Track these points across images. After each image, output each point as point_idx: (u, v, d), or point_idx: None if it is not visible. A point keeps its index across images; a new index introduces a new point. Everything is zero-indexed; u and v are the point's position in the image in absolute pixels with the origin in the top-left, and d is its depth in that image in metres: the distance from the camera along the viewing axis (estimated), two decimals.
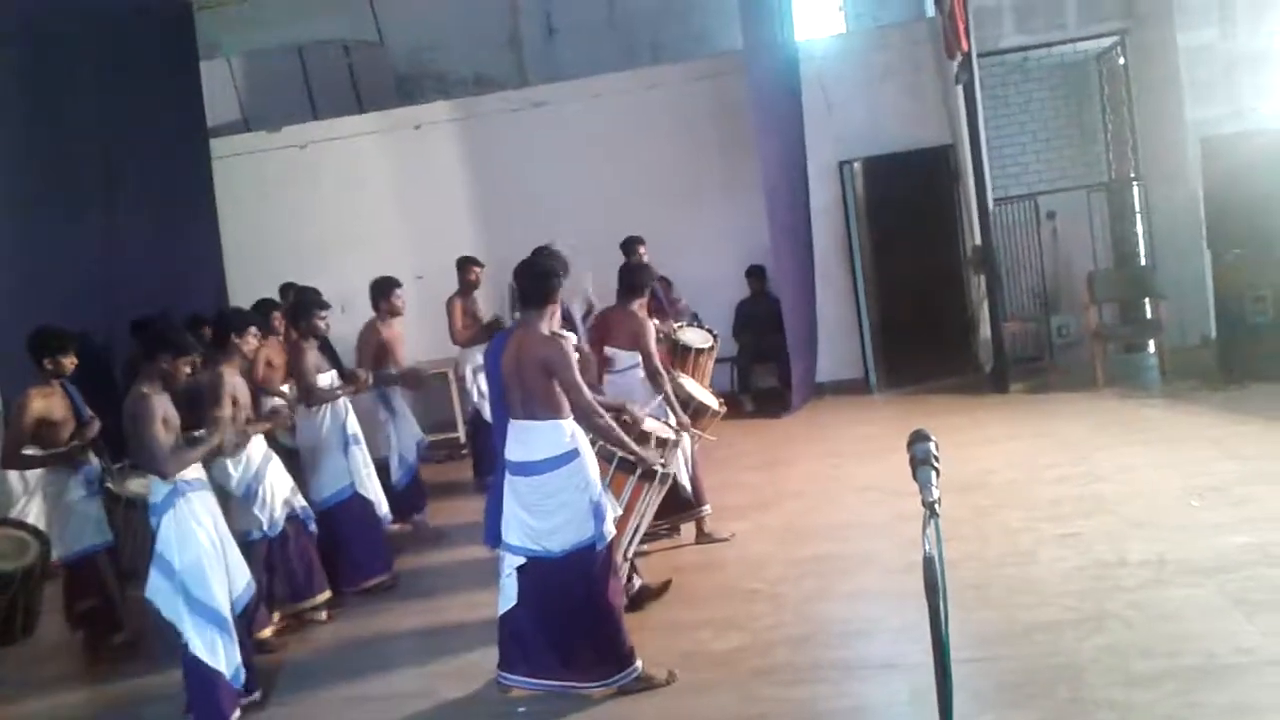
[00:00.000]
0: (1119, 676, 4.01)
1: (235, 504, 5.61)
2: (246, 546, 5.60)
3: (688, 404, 6.33)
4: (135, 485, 5.62)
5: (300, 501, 5.90)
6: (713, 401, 6.41)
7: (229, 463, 5.57)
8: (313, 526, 5.96)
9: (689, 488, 6.08)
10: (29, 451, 5.53)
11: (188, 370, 4.76)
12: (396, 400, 7.47)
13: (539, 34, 12.70)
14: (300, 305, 6.61)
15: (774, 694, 4.35)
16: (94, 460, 5.72)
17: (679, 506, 6.10)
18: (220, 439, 5.00)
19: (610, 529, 4.43)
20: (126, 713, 5.22)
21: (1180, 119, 9.16)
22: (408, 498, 7.43)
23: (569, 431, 4.41)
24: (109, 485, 5.58)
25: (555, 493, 4.37)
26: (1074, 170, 10.28)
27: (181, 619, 4.60)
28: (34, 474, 6.07)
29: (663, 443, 5.28)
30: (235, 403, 5.44)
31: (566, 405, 4.40)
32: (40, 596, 5.41)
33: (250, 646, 4.96)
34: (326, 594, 5.99)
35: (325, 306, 6.59)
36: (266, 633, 5.61)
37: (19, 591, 5.16)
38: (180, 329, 5.17)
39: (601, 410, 4.58)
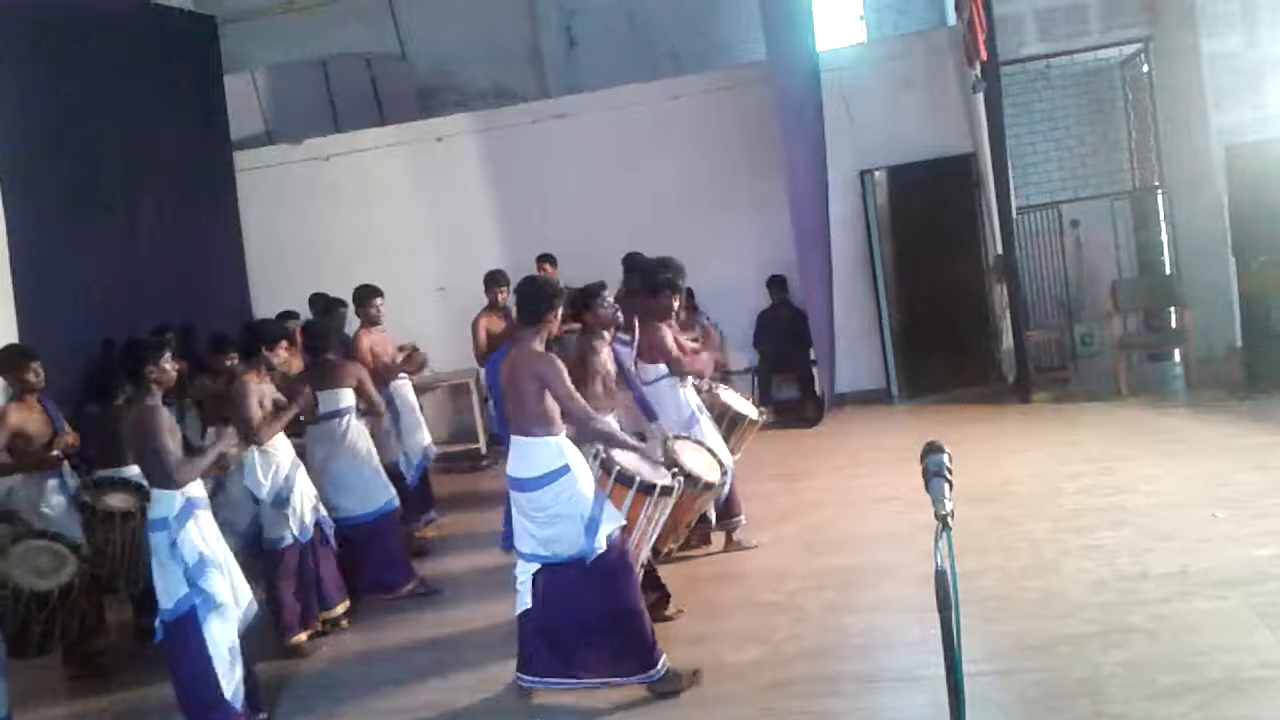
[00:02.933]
0: (1141, 690, 3.97)
1: (266, 512, 5.70)
2: (276, 554, 5.68)
3: (724, 414, 6.33)
4: (113, 500, 5.67)
5: (323, 512, 5.94)
6: (751, 411, 6.46)
7: (259, 471, 5.62)
8: (333, 540, 6.00)
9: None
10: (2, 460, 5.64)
11: (173, 371, 4.75)
12: (400, 405, 7.54)
13: (559, 46, 12.75)
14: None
15: (792, 707, 4.33)
16: (69, 473, 5.82)
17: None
18: (227, 446, 4.94)
19: (602, 544, 4.46)
20: None
21: (1204, 126, 9.09)
22: (419, 499, 7.57)
23: (560, 448, 4.52)
24: (85, 499, 5.63)
25: (549, 506, 4.49)
26: (1097, 178, 10.20)
27: (210, 635, 4.51)
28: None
29: (694, 481, 5.24)
30: (262, 407, 5.63)
31: (559, 421, 4.53)
32: (74, 614, 5.18)
33: (253, 669, 4.85)
34: (346, 604, 6.05)
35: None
36: (302, 638, 5.72)
37: (55, 610, 4.99)
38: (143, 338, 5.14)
39: (595, 414, 4.71)
